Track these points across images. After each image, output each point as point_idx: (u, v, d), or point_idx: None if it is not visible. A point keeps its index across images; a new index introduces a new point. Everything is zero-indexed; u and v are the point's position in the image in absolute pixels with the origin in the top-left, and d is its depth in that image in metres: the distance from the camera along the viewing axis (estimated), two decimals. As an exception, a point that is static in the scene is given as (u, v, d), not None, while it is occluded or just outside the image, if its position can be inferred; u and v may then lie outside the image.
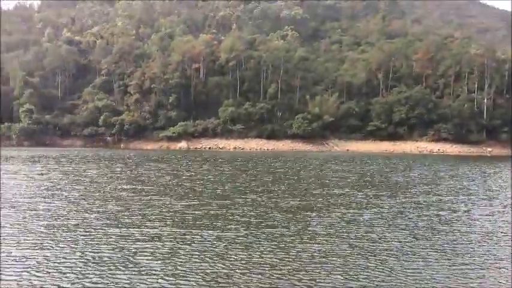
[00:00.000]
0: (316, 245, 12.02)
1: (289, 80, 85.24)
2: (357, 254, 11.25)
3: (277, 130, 78.77)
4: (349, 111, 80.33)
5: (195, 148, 75.71)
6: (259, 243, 12.11)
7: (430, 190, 23.35)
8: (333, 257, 10.96)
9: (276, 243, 12.18)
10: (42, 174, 28.77)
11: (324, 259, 10.83)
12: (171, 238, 12.48)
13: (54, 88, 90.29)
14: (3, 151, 57.26)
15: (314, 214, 16.28)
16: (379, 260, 10.85)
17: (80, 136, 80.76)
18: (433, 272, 9.98)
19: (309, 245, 12.07)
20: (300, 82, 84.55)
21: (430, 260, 10.92)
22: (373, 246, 12.05)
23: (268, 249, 11.59)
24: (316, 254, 11.19)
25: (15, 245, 11.58)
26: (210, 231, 13.29)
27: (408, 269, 10.19)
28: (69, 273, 9.54)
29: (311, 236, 12.98)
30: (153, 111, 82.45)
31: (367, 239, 12.74)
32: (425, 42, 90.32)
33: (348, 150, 73.64)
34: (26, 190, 21.31)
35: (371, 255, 11.16)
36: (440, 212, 17.03)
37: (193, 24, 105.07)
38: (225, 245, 11.87)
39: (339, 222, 14.89)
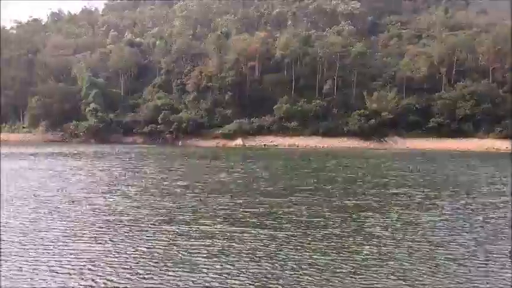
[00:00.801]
0: (371, 247, 11.56)
1: (346, 76, 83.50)
2: (414, 258, 10.69)
3: (333, 127, 77.37)
4: (409, 107, 77.29)
5: (251, 145, 76.15)
6: (311, 244, 11.85)
7: (497, 191, 21.89)
8: (388, 261, 10.48)
9: (328, 243, 11.87)
10: (103, 170, 30.07)
11: (378, 262, 10.38)
12: (223, 236, 12.51)
13: (117, 88, 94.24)
14: (71, 148, 60.70)
15: (369, 214, 15.73)
16: (438, 265, 10.24)
17: (141, 133, 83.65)
18: (498, 281, 9.25)
19: (363, 246, 11.64)
20: (356, 78, 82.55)
21: (494, 267, 10.15)
22: (433, 250, 11.41)
23: (320, 249, 11.31)
24: (370, 257, 10.76)
25: (72, 238, 12.09)
26: (261, 230, 13.19)
27: (471, 276, 9.52)
28: (121, 268, 9.79)
29: (365, 237, 12.52)
30: (210, 109, 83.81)
31: (426, 242, 12.10)
32: (492, 34, 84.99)
33: (407, 147, 70.93)
34: (87, 185, 22.32)
35: (430, 260, 10.56)
36: (508, 215, 15.87)
37: (249, 22, 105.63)
38: (277, 245, 11.72)
39: (395, 224, 14.28)
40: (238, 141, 77.48)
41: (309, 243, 11.85)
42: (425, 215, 15.85)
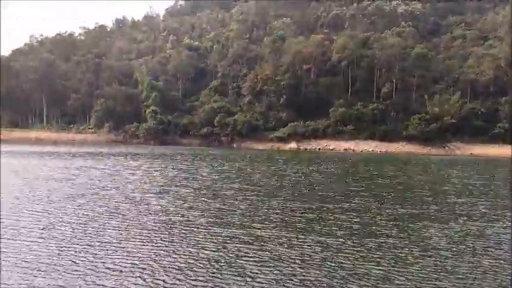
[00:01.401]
0: (429, 260, 10.91)
1: (405, 79, 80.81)
2: (477, 274, 9.95)
3: (391, 131, 75.11)
4: (474, 112, 73.48)
5: (305, 149, 75.56)
6: (364, 253, 11.37)
7: None
8: (448, 276, 9.81)
9: (382, 253, 11.33)
10: (159, 170, 30.89)
11: (437, 276, 9.75)
12: (272, 241, 12.32)
13: (175, 91, 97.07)
14: (131, 148, 63.14)
15: (428, 224, 14.92)
16: (503, 282, 9.45)
17: (197, 135, 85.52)
18: None
19: (420, 258, 11.01)
20: (417, 81, 79.70)
21: None
22: (498, 265, 10.57)
23: (373, 259, 10.82)
24: (428, 270, 10.13)
25: (126, 237, 12.39)
26: (312, 236, 12.87)
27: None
28: (171, 269, 9.85)
29: (423, 249, 11.84)
30: (265, 112, 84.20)
31: (490, 257, 11.24)
32: None
33: (471, 154, 67.40)
34: (143, 185, 22.96)
35: (494, 276, 9.78)
36: None
37: (305, 25, 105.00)
38: (327, 252, 11.36)
39: (456, 235, 13.42)
40: (293, 145, 77.14)
41: (361, 252, 11.39)
42: (490, 226, 14.81)
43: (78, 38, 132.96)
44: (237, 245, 11.82)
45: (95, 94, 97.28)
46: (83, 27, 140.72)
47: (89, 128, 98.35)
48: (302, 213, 16.30)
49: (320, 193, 21.55)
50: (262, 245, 11.86)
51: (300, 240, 12.47)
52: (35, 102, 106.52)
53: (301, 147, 76.40)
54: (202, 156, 49.67)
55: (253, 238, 12.59)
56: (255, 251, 11.29)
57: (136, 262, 10.28)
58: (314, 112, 79.77)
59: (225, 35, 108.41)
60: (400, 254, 11.30)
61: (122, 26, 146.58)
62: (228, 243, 12.03)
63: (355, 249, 11.71)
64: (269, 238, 12.60)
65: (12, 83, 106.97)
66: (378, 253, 11.36)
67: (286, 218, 15.36)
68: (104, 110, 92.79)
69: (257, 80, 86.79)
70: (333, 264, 10.34)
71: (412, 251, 11.67)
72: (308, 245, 11.94)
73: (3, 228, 13.08)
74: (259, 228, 13.73)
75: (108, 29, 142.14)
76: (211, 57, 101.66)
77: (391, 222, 15.07)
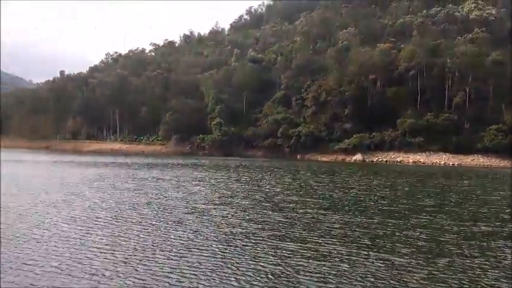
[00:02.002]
0: (504, 282, 9.93)
1: (480, 88, 76.19)
2: None
3: (465, 143, 70.85)
4: (560, 122, 67.67)
5: (371, 161, 73.37)
6: (432, 272, 10.60)
7: None
8: (528, 302, 8.86)
9: (451, 273, 10.50)
10: (222, 181, 31.26)
11: (516, 302, 8.84)
12: (334, 256, 11.88)
13: (240, 103, 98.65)
14: (197, 159, 64.77)
15: (505, 244, 13.70)
16: None
17: (261, 147, 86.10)
18: None
19: (493, 280, 10.07)
20: (493, 89, 74.84)
21: None
22: None
23: (441, 279, 10.04)
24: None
25: (187, 248, 12.49)
26: (375, 253, 12.25)
27: None
28: (228, 282, 9.75)
29: (498, 271, 10.82)
30: (329, 123, 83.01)
31: None
32: None
33: (556, 167, 61.88)
34: (206, 196, 23.28)
35: None
36: None
37: (371, 34, 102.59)
38: (391, 270, 10.72)
39: (539, 257, 12.16)
40: (358, 157, 75.22)
41: (429, 272, 10.63)
42: None
43: (149, 54, 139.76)
44: (296, 260, 11.51)
45: (163, 107, 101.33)
46: (153, 43, 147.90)
47: (158, 140, 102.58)
48: (365, 228, 15.65)
49: (385, 208, 20.64)
50: (322, 261, 11.47)
51: (362, 256, 11.92)
52: (109, 116, 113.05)
53: (366, 160, 74.30)
54: (265, 167, 49.76)
55: (313, 253, 12.22)
56: (314, 267, 10.92)
57: (196, 273, 10.30)
58: (380, 123, 77.39)
59: (289, 47, 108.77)
60: (472, 275, 10.42)
61: (189, 41, 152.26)
62: (287, 257, 11.75)
63: (422, 268, 10.96)
64: (329, 253, 12.17)
65: (89, 98, 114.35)
66: (447, 273, 10.55)
67: (349, 233, 14.81)
68: (171, 123, 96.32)
69: (321, 91, 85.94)
70: (397, 284, 9.73)
71: (486, 272, 10.72)
72: (371, 262, 11.37)
73: (75, 235, 13.77)
74: (319, 243, 13.32)
75: (176, 45, 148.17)
76: (275, 69, 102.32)
77: (463, 241, 14.01)
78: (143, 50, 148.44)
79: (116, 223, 15.81)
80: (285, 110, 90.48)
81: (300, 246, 12.94)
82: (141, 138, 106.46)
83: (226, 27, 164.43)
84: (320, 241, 13.58)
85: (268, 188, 27.63)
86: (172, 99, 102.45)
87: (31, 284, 9.43)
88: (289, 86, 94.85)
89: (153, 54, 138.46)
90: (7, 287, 9.29)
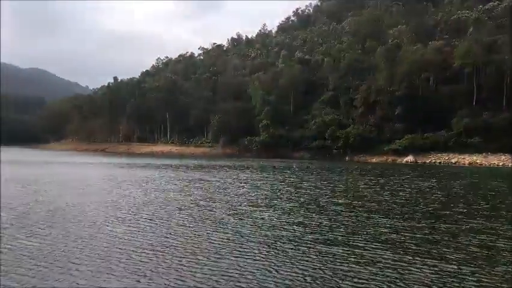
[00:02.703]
0: None
1: (542, 85, 71.56)
2: None
3: (527, 143, 66.65)
4: None
5: (423, 162, 70.63)
6: (485, 282, 9.90)
7: None
8: None
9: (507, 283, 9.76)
10: (267, 183, 31.10)
11: None
12: (378, 262, 11.40)
13: (287, 104, 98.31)
14: (244, 161, 65.12)
15: None
16: None
17: (309, 149, 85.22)
18: None
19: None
20: (556, 86, 70.08)
21: None
22: None
23: (497, 291, 9.36)
24: None
25: (227, 251, 12.43)
26: (424, 259, 11.64)
27: None
28: (265, 286, 9.58)
29: (563, 282, 9.95)
30: (378, 124, 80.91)
31: None
32: None
33: None
34: (250, 198, 23.21)
35: None
36: None
37: (423, 32, 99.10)
38: (441, 279, 10.12)
39: None
40: (409, 158, 72.69)
41: (480, 281, 9.94)
42: None
43: (198, 58, 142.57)
44: (338, 265, 11.16)
45: (211, 110, 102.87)
46: (202, 47, 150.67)
47: (206, 142, 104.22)
48: (413, 232, 14.96)
49: (436, 211, 19.69)
50: (366, 266, 11.04)
51: (408, 262, 11.36)
52: (160, 119, 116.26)
53: (418, 161, 71.62)
54: (311, 169, 49.14)
55: (356, 258, 11.80)
56: (356, 272, 10.53)
57: (236, 276, 10.23)
58: (434, 123, 74.42)
59: (337, 47, 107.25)
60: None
61: (236, 44, 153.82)
62: (329, 261, 11.42)
63: (473, 276, 10.28)
64: (374, 259, 11.70)
65: (141, 102, 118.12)
66: (500, 282, 9.81)
67: (395, 238, 14.21)
68: (219, 125, 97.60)
69: (370, 91, 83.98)
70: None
71: (547, 283, 9.88)
72: (417, 269, 10.81)
73: (120, 235, 14.12)
74: (364, 247, 12.86)
75: (224, 48, 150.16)
76: (323, 70, 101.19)
77: (522, 248, 13.05)
78: (192, 55, 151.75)
79: (159, 224, 16.07)
80: (333, 111, 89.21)
81: (343, 250, 12.56)
82: (191, 140, 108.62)
83: (274, 29, 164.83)
84: (365, 245, 13.12)
85: (313, 190, 27.20)
86: (220, 101, 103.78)
87: (74, 282, 9.70)
88: (337, 87, 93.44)
89: (201, 58, 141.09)
90: (53, 286, 9.60)
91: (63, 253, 11.96)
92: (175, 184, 29.86)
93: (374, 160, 74.90)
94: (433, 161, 70.81)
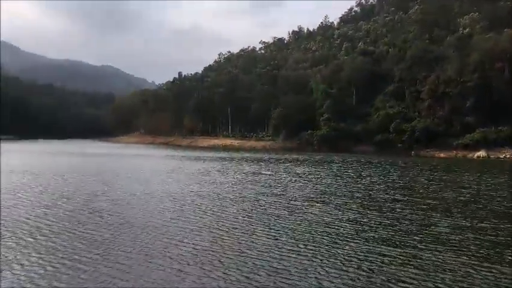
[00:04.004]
0: None
1: None
2: None
3: None
4: None
5: (497, 158, 65.93)
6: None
7: None
8: None
9: None
10: (324, 178, 30.37)
11: None
12: (436, 265, 10.56)
13: (349, 97, 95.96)
14: (304, 155, 64.45)
15: None
16: None
17: (371, 143, 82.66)
18: None
19: None
20: None
21: None
22: None
23: None
24: None
25: (275, 246, 12.09)
26: (487, 263, 10.63)
27: None
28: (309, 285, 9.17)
29: None
30: (447, 117, 76.62)
31: None
32: None
33: None
34: (302, 192, 22.68)
35: None
36: None
37: (497, 20, 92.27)
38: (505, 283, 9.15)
39: None
40: (481, 153, 68.15)
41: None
42: None
43: (259, 52, 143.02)
44: (391, 266, 10.50)
45: (272, 103, 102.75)
46: (263, 41, 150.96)
47: (267, 136, 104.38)
48: (478, 233, 13.79)
49: (506, 210, 18.09)
50: (421, 269, 10.25)
51: (470, 266, 10.43)
52: (222, 113, 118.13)
53: (491, 156, 66.97)
54: (372, 164, 47.41)
55: (411, 259, 11.02)
56: (410, 275, 9.80)
57: (281, 273, 9.90)
58: (508, 116, 69.21)
59: (402, 37, 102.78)
60: None
61: (297, 37, 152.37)
62: (381, 262, 10.74)
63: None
64: (431, 261, 10.86)
65: (204, 96, 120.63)
66: None
67: (457, 239, 13.16)
68: (280, 119, 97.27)
69: (438, 83, 79.68)
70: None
71: None
72: (482, 274, 9.85)
73: (175, 226, 14.27)
74: (421, 248, 12.01)
75: (285, 42, 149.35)
76: (387, 62, 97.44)
77: None
78: (254, 49, 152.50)
79: (210, 216, 16.12)
80: (398, 104, 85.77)
81: (398, 251, 11.80)
82: (251, 134, 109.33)
83: (336, 21, 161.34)
84: (421, 246, 12.27)
85: (371, 186, 26.12)
86: (281, 95, 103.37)
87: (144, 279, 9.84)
88: (403, 78, 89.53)
89: (262, 52, 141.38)
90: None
91: (130, 242, 12.24)
92: (232, 177, 30.02)
93: (442, 155, 71.07)
94: (508, 156, 65.95)
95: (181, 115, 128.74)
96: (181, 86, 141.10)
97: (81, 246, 11.86)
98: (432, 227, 14.67)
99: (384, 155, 69.56)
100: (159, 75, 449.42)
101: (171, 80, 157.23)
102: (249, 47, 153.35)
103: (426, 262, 10.78)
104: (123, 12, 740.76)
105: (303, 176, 32.00)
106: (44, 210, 16.89)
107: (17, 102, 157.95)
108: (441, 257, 11.20)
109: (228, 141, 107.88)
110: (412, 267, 10.39)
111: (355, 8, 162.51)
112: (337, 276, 9.72)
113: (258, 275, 9.71)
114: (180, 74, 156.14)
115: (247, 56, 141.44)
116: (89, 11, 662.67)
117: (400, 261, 10.90)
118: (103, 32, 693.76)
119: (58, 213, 16.25)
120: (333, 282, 9.30)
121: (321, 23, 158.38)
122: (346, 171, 36.70)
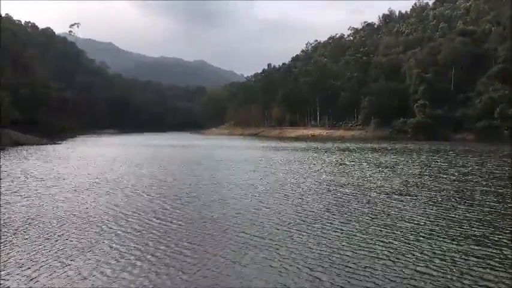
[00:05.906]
0: None
1: None
2: None
3: None
4: None
5: None
6: None
7: None
8: None
9: None
10: (409, 168, 28.54)
11: None
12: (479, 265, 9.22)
13: (446, 82, 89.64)
14: (395, 144, 61.51)
15: None
16: None
17: (472, 130, 76.52)
18: None
19: None
20: None
21: None
22: None
23: None
24: None
25: (345, 245, 11.46)
26: None
27: None
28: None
29: None
30: (563, 100, 68.39)
31: None
32: None
33: None
34: (383, 184, 21.38)
35: None
36: None
37: None
38: None
39: None
40: None
41: None
42: None
43: (348, 39, 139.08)
44: (482, 269, 9.38)
45: (362, 92, 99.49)
46: (352, 27, 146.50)
47: (357, 125, 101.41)
48: None
49: None
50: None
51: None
52: (310, 103, 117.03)
53: None
54: (470, 152, 43.33)
55: (504, 261, 9.77)
56: (505, 280, 8.65)
57: (351, 270, 9.34)
58: None
59: (508, 14, 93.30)
60: None
61: (388, 21, 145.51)
62: (472, 263, 9.69)
63: None
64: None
65: (292, 86, 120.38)
66: None
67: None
68: (370, 107, 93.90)
69: (551, 62, 71.35)
70: None
71: None
72: None
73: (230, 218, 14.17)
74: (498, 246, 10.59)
75: (375, 26, 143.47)
76: (490, 41, 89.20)
77: None
78: (342, 36, 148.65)
79: (288, 208, 15.75)
80: (504, 87, 78.16)
81: (491, 252, 10.53)
82: (340, 123, 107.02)
83: (431, 1, 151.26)
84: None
85: (464, 178, 23.79)
86: (371, 82, 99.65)
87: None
88: (508, 59, 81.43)
89: (351, 38, 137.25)
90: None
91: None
92: (308, 167, 29.43)
93: (557, 143, 63.55)
94: None
95: (270, 106, 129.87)
96: (269, 77, 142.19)
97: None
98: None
99: (487, 143, 63.89)
100: (247, 68, 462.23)
101: (259, 71, 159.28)
102: (336, 34, 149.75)
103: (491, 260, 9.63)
104: (210, 10, 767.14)
105: (388, 165, 30.40)
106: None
107: (119, 99, 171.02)
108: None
109: (317, 131, 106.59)
110: (503, 270, 9.20)
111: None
112: (422, 278, 8.90)
113: (335, 275, 9.23)
114: (269, 65, 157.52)
115: (335, 44, 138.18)
116: (182, 8, 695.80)
117: (489, 261, 9.78)
118: (194, 29, 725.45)
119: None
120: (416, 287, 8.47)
121: (414, 4, 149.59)
122: (437, 160, 34.27)
